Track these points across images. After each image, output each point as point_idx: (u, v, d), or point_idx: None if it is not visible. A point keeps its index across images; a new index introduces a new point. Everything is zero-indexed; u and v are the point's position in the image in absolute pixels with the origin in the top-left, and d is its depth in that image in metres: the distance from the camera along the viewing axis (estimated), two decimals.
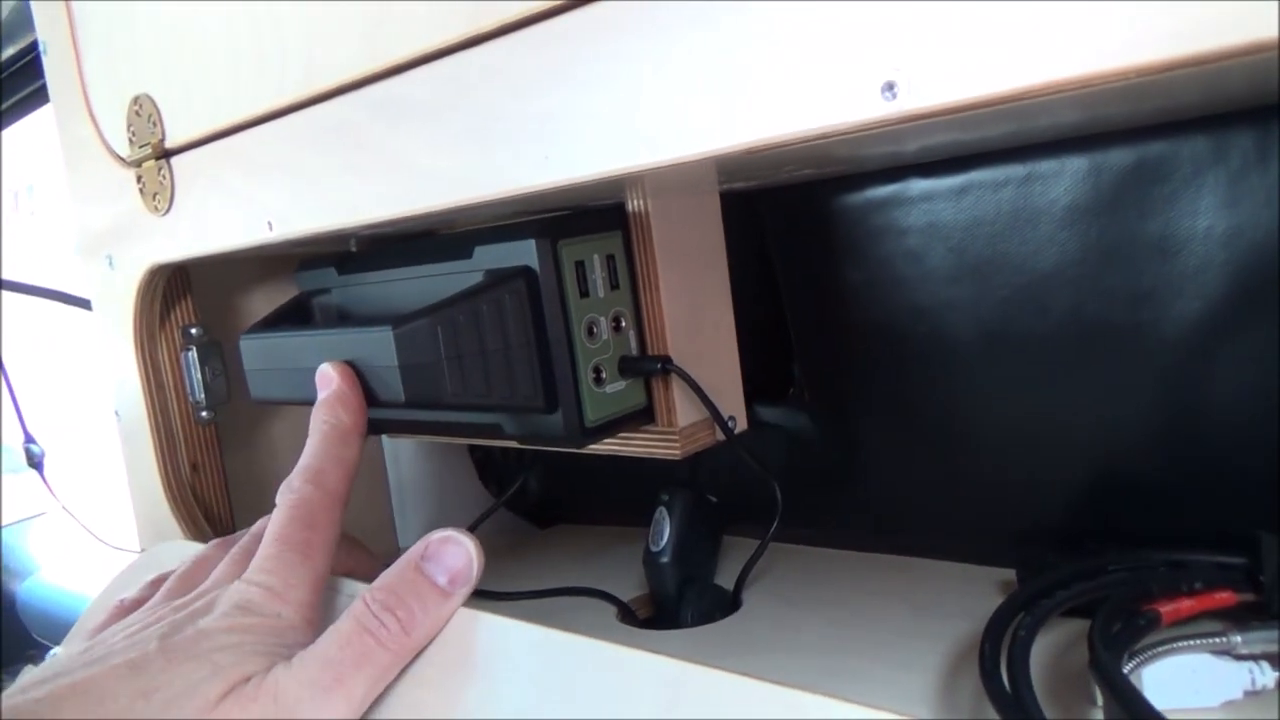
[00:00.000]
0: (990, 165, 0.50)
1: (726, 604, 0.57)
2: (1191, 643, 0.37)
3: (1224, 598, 0.42)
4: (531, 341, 0.42)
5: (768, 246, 0.61)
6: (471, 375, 0.40)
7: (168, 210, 0.53)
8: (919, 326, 0.56)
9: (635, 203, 0.49)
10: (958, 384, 0.55)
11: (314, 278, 0.51)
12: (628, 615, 0.58)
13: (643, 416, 0.47)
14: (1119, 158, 0.46)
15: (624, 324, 0.46)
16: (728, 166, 0.39)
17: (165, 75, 0.52)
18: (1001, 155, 0.49)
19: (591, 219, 0.46)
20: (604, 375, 0.45)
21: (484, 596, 0.64)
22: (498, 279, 0.41)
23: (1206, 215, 0.44)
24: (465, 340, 0.39)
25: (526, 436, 0.45)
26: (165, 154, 0.53)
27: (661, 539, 0.57)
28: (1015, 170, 0.49)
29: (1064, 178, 0.48)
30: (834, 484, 0.63)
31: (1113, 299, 0.47)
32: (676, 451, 0.51)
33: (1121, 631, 0.38)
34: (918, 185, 0.52)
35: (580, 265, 0.44)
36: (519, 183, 0.34)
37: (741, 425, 0.54)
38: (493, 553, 0.78)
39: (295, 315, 0.51)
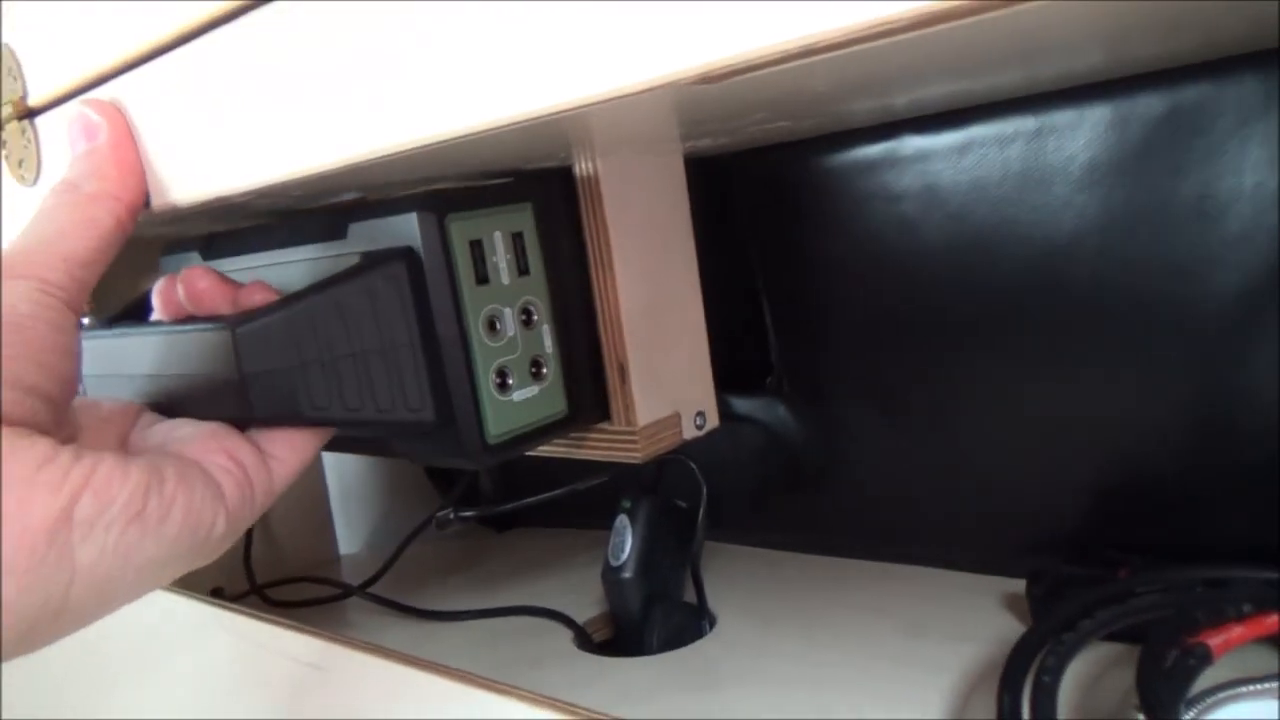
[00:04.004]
0: (995, 118, 0.43)
1: (697, 625, 0.50)
2: (1255, 687, 0.31)
3: (1274, 622, 0.35)
4: (416, 341, 0.34)
5: (740, 217, 0.54)
6: (341, 384, 0.32)
7: (35, 180, 0.45)
8: (914, 306, 0.49)
9: (583, 164, 0.42)
10: (958, 371, 0.48)
11: (178, 262, 0.43)
12: (584, 640, 0.51)
13: (564, 426, 0.40)
14: (1148, 105, 0.39)
15: (536, 317, 0.38)
16: (689, 111, 0.32)
17: (25, 20, 0.44)
18: (1008, 106, 0.42)
19: (495, 190, 0.38)
20: (510, 380, 0.37)
21: (431, 617, 0.57)
22: (370, 263, 0.33)
23: (1254, 171, 0.37)
24: (330, 340, 0.32)
25: (420, 454, 0.38)
26: (29, 113, 0.45)
27: (623, 552, 0.50)
28: (1025, 123, 0.42)
29: (1082, 130, 0.41)
30: (817, 483, 0.56)
31: (1140, 272, 0.41)
32: (637, 454, 0.44)
33: (1173, 673, 0.31)
34: (912, 143, 0.45)
35: (477, 245, 0.36)
36: (417, 134, 0.27)
37: (712, 422, 0.47)
38: (446, 560, 0.72)
39: (148, 307, 0.43)
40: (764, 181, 0.52)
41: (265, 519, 0.71)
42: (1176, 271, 0.40)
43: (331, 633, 0.43)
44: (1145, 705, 0.29)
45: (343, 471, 0.78)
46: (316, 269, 0.36)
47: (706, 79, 0.21)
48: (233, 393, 0.31)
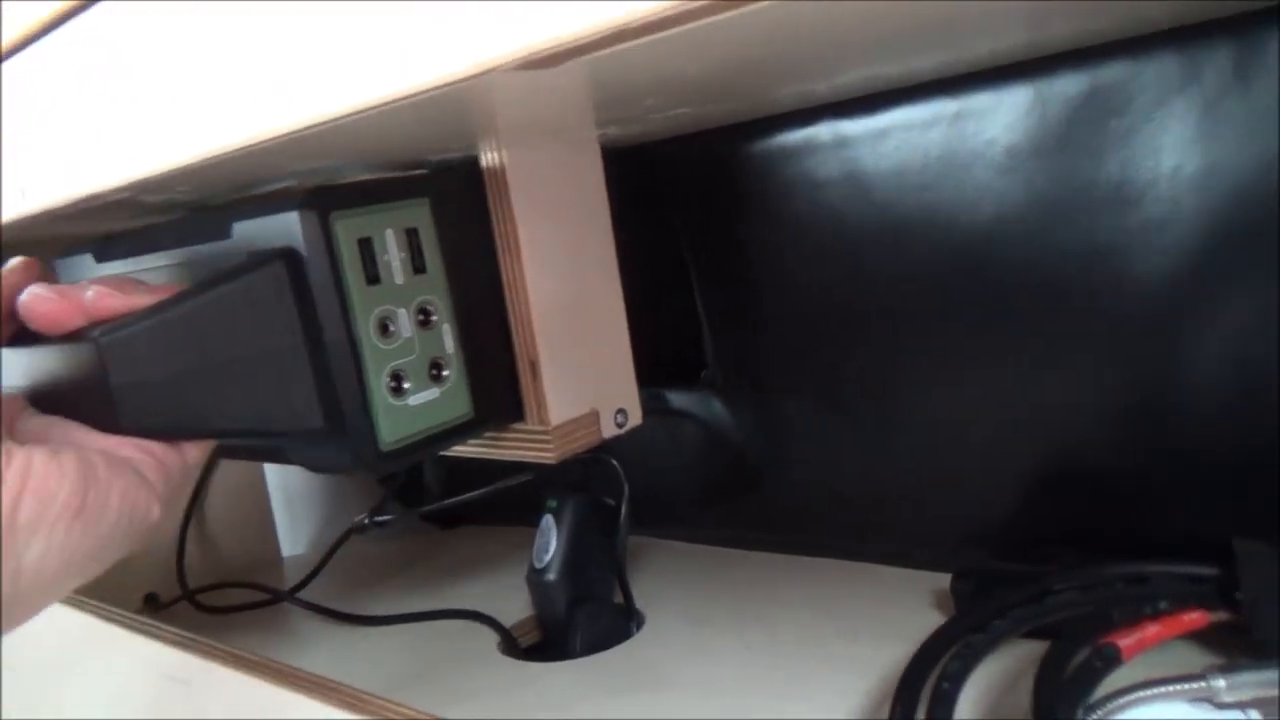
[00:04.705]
0: (915, 102, 0.41)
1: (624, 626, 0.49)
2: (1163, 689, 0.29)
3: (1195, 619, 0.34)
4: (300, 345, 0.32)
5: (667, 206, 0.52)
6: (220, 393, 0.30)
7: None
8: (844, 296, 0.48)
9: (489, 154, 0.40)
10: (891, 361, 0.47)
11: (72, 267, 0.42)
12: (510, 644, 0.50)
13: (470, 429, 0.38)
14: (1067, 86, 0.38)
15: (435, 317, 0.37)
16: (570, 95, 0.31)
17: None
18: (928, 89, 0.41)
19: (387, 184, 0.36)
20: (406, 384, 0.35)
21: (359, 622, 0.56)
22: (248, 265, 0.32)
23: (1174, 152, 0.36)
24: (206, 348, 0.30)
25: (312, 462, 0.36)
26: None
27: (547, 553, 0.49)
28: (944, 106, 0.41)
29: (1002, 113, 0.39)
30: (754, 478, 0.55)
31: (1063, 258, 0.40)
32: (551, 454, 0.42)
33: (1076, 676, 0.30)
34: (832, 128, 0.44)
35: (366, 244, 0.34)
36: (262, 127, 0.25)
37: (635, 419, 0.46)
38: (388, 560, 0.70)
39: None
40: (690, 169, 0.50)
41: (202, 522, 0.69)
42: (1099, 257, 0.39)
43: (208, 643, 0.42)
44: (1034, 709, 0.28)
45: (285, 471, 0.76)
46: (202, 271, 0.34)
47: (529, 64, 0.19)
48: (104, 406, 0.29)
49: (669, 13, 0.16)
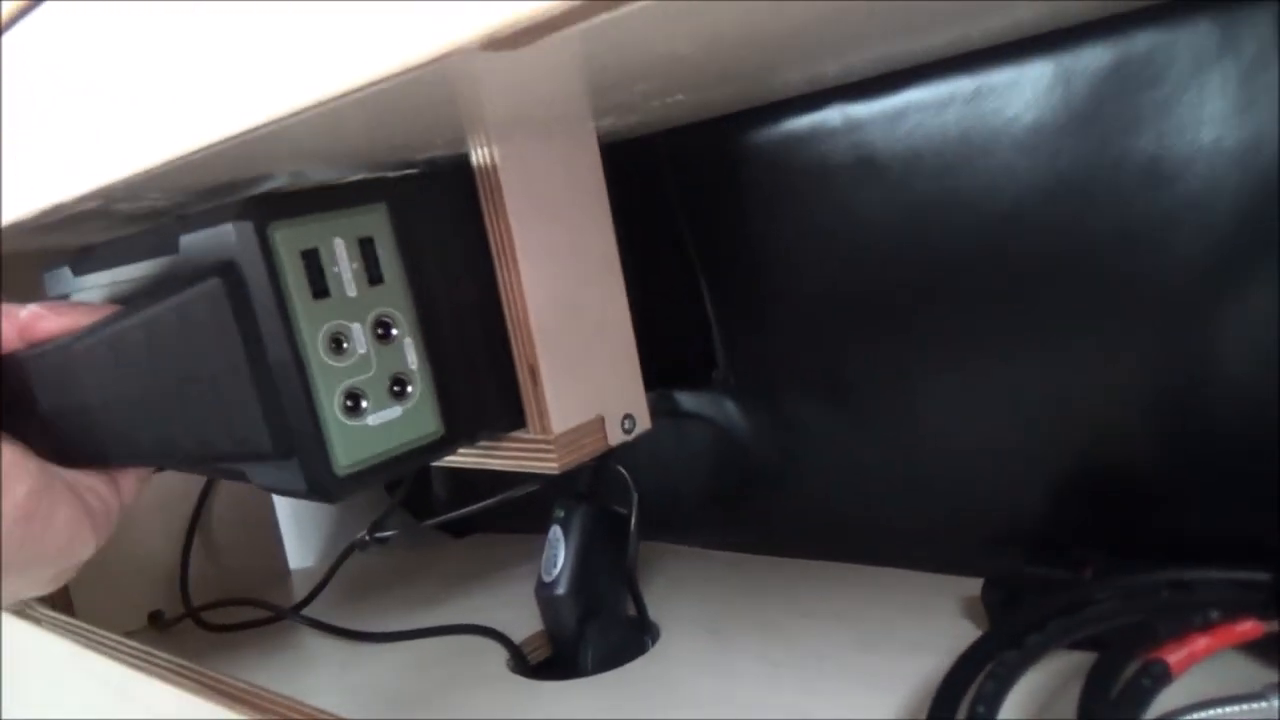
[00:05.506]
0: (930, 81, 0.39)
1: (638, 640, 0.47)
2: (1221, 711, 0.27)
3: (1248, 629, 0.32)
4: (242, 365, 0.30)
5: (670, 201, 0.50)
6: (159, 419, 0.29)
7: None
8: (858, 290, 0.45)
9: (479, 150, 0.38)
10: (909, 357, 0.45)
11: (55, 281, 0.40)
12: (520, 660, 0.48)
13: (441, 447, 0.36)
14: (1093, 58, 0.35)
15: (395, 330, 0.34)
16: (557, 82, 0.28)
17: None
18: (943, 67, 0.39)
19: (337, 191, 0.33)
20: (365, 403, 0.33)
21: (363, 639, 0.54)
22: (184, 282, 0.30)
23: (1213, 125, 0.33)
24: (142, 370, 0.28)
25: (272, 487, 0.34)
26: None
27: (555, 566, 0.46)
28: (961, 84, 0.38)
29: (1023, 89, 0.37)
30: (769, 480, 0.53)
31: (1093, 241, 0.37)
32: (553, 464, 0.40)
33: (1125, 696, 0.28)
34: (842, 112, 0.42)
35: (311, 255, 0.31)
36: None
37: (643, 424, 0.44)
38: (396, 571, 0.69)
39: None
40: (693, 160, 0.48)
41: (207, 537, 0.68)
42: (1133, 240, 0.36)
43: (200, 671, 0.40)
44: None
45: None
46: (151, 287, 0.32)
47: (493, 44, 0.17)
48: (36, 430, 0.28)
49: None
